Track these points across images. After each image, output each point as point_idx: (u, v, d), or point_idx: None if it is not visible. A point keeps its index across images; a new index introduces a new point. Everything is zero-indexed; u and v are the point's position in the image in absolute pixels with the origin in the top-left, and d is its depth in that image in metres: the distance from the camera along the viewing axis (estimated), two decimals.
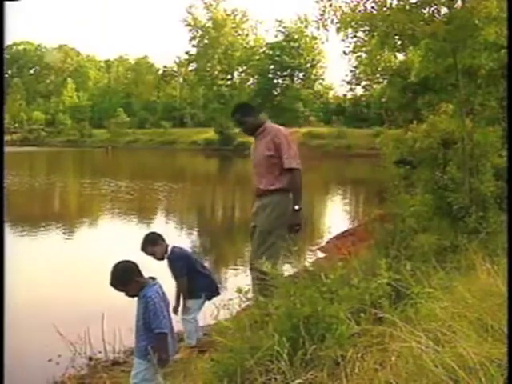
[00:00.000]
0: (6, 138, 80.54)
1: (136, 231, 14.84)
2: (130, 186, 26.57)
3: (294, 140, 5.91)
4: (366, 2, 7.98)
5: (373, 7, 7.96)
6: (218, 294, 5.83)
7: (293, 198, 5.67)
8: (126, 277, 4.13)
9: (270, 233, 5.64)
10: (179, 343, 5.91)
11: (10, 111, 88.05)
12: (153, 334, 4.09)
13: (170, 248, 5.66)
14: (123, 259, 4.26)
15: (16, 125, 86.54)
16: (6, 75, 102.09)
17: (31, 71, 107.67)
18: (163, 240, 5.66)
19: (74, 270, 9.76)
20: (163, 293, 4.29)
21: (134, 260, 4.29)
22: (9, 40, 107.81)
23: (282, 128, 5.88)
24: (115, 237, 14.01)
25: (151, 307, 4.06)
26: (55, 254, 11.84)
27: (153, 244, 5.54)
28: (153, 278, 4.26)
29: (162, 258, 5.63)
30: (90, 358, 5.88)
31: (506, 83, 7.13)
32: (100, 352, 5.88)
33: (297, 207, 5.59)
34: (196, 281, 5.73)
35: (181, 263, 5.68)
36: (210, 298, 5.78)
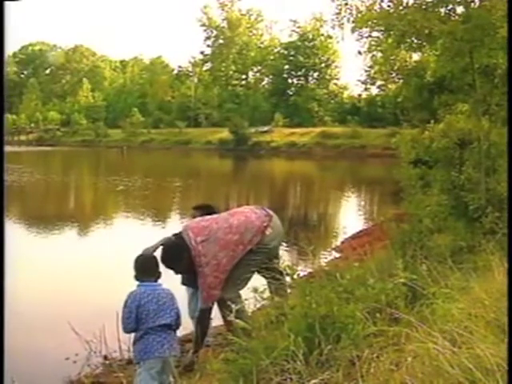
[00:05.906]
0: (23, 138, 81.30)
1: (151, 228, 14.96)
2: (146, 184, 26.71)
3: None
4: (382, 1, 7.95)
5: (389, 6, 7.92)
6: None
7: None
8: (137, 269, 4.36)
9: None
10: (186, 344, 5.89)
11: (26, 111, 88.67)
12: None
13: None
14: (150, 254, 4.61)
15: (32, 125, 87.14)
16: (22, 75, 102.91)
17: (47, 71, 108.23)
18: None
19: (90, 268, 9.79)
20: (161, 295, 4.25)
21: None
22: (24, 41, 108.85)
23: None
24: (131, 234, 14.05)
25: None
26: (71, 251, 11.89)
27: None
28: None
29: None
30: (106, 357, 5.91)
31: (507, 83, 7.05)
32: (115, 351, 5.90)
33: None
34: None
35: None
36: None
